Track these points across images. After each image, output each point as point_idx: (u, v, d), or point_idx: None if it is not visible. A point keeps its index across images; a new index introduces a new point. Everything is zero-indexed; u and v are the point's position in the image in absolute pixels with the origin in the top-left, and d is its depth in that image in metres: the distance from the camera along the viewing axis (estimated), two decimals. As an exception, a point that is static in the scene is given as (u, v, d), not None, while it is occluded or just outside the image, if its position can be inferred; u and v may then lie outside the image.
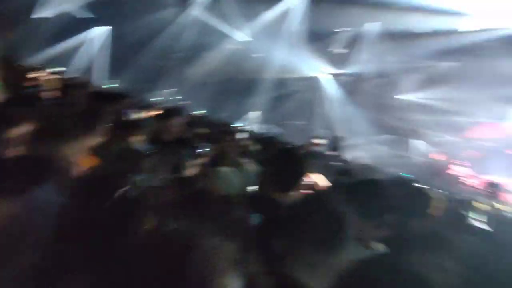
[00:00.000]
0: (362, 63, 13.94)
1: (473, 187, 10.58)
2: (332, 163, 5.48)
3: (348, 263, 1.12)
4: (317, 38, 13.27)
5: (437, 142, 17.10)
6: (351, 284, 1.00)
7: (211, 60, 14.39)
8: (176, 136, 3.39)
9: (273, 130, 17.19)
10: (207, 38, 14.82)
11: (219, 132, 4.93)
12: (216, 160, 3.16)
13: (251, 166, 2.85)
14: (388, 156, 18.08)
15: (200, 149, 2.91)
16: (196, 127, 4.73)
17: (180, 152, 2.50)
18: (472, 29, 10.07)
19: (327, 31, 13.10)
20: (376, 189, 2.05)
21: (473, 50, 11.72)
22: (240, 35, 14.34)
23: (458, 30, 10.53)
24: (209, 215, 1.72)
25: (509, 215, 4.34)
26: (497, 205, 4.47)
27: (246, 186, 2.19)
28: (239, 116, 17.51)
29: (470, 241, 2.18)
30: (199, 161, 2.56)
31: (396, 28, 11.65)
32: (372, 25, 12.55)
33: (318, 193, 1.83)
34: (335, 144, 7.45)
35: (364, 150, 17.13)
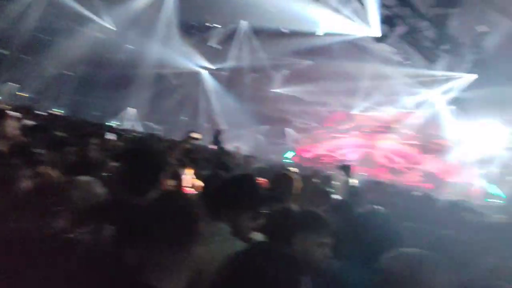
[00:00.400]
0: (237, 58, 14.47)
1: (330, 165, 12.55)
2: (211, 156, 5.50)
3: (221, 258, 1.10)
4: (192, 32, 12.99)
5: (303, 128, 19.90)
6: (231, 275, 1.01)
7: (70, 48, 12.02)
8: (12, 143, 2.64)
9: (151, 127, 16.24)
10: (64, 23, 12.48)
11: (82, 135, 4.19)
12: (75, 167, 2.68)
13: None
14: (266, 144, 19.85)
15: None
16: (47, 130, 3.88)
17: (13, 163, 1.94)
18: (325, 32, 11.68)
19: (201, 25, 12.93)
20: (250, 181, 2.11)
21: (326, 51, 13.80)
22: (105, 22, 12.55)
23: (316, 33, 11.97)
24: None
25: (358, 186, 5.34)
26: (349, 180, 5.37)
27: (107, 194, 1.89)
28: (112, 114, 15.75)
29: (332, 215, 2.52)
30: (43, 170, 2.05)
31: (265, 26, 12.30)
32: (244, 22, 13.09)
33: (173, 193, 1.75)
34: (216, 137, 7.55)
35: (244, 140, 18.28)
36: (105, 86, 14.20)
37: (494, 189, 11.05)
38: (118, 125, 13.07)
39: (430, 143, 15.16)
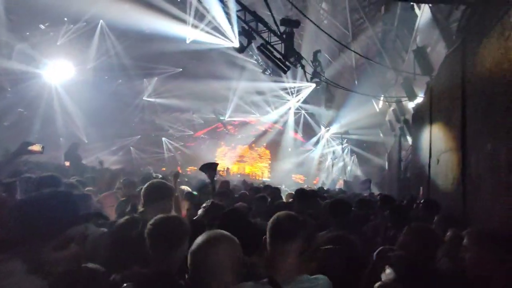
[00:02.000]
0: (99, 63, 12.99)
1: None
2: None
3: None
4: (33, 30, 10.85)
5: (178, 137, 19.70)
6: None
7: None
8: None
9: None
10: None
11: None
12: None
13: None
14: (140, 155, 18.62)
15: None
16: None
17: None
18: (192, 40, 11.85)
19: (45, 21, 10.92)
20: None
21: (195, 59, 14.05)
22: None
23: (185, 40, 11.91)
24: None
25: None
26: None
27: None
28: None
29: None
30: None
31: (124, 25, 11.36)
32: (104, 21, 11.83)
33: None
34: (71, 151, 6.55)
35: (112, 152, 16.60)
36: None
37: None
38: None
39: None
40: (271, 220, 1.57)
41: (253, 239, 1.69)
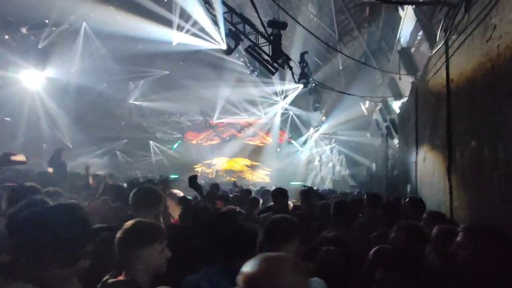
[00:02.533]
0: (82, 66, 12.72)
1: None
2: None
3: None
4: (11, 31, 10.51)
5: (165, 140, 19.51)
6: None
7: None
8: None
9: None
10: None
11: None
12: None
13: None
14: (127, 160, 18.31)
15: None
16: None
17: None
18: (178, 43, 11.73)
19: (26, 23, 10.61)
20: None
21: (181, 61, 13.95)
22: None
23: (171, 42, 11.79)
24: None
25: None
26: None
27: None
28: None
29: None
30: None
31: (109, 28, 11.17)
32: (87, 24, 11.60)
33: None
34: (54, 157, 6.36)
35: (98, 157, 16.27)
36: None
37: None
38: None
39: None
40: (267, 222, 1.56)
41: (244, 242, 1.67)
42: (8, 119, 12.60)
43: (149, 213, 2.29)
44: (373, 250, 1.96)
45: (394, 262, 1.70)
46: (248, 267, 1.11)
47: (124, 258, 1.55)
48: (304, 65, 9.97)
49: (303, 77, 9.20)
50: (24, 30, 10.79)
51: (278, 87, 14.34)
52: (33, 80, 11.15)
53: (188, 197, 3.66)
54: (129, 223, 1.62)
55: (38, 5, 9.71)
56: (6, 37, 10.57)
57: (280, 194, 3.92)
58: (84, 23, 11.50)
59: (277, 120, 17.24)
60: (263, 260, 1.11)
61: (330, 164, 16.42)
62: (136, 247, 1.55)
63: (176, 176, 11.85)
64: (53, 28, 10.88)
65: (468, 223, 2.16)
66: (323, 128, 15.36)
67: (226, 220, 2.11)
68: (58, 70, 11.74)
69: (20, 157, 2.67)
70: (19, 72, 10.68)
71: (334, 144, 16.27)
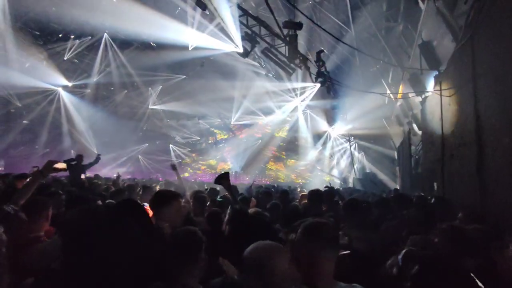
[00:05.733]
0: (104, 74, 13.18)
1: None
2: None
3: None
4: (41, 45, 11.03)
5: (185, 143, 19.87)
6: None
7: None
8: None
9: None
10: None
11: None
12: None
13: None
14: (149, 163, 18.79)
15: None
16: None
17: None
18: (194, 47, 11.91)
19: (54, 36, 11.12)
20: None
21: (198, 65, 14.14)
22: None
23: (187, 47, 11.98)
24: None
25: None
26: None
27: None
28: None
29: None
30: None
31: (131, 39, 11.56)
32: (108, 34, 12.02)
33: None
34: (75, 163, 6.62)
35: (123, 163, 16.83)
36: None
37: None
38: None
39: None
40: (309, 226, 1.55)
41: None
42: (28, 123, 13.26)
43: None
44: (402, 253, 1.71)
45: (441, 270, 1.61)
46: (248, 250, 1.45)
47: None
48: (321, 64, 9.90)
49: (320, 75, 9.13)
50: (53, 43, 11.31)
51: (295, 87, 14.28)
52: (58, 89, 11.68)
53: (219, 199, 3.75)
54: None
55: (62, 18, 10.16)
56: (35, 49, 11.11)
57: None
58: (105, 34, 11.91)
59: (299, 120, 17.14)
60: (261, 245, 1.46)
61: (350, 161, 16.19)
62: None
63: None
64: (77, 40, 11.34)
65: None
66: (341, 125, 15.17)
67: (263, 225, 2.11)
68: (82, 79, 12.22)
69: (61, 165, 2.71)
70: (46, 82, 11.22)
71: (353, 141, 16.02)
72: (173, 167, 4.72)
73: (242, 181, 15.90)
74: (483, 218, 2.97)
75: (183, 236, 1.71)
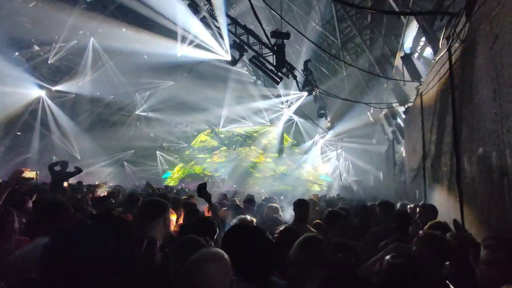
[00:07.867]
0: (89, 79, 12.98)
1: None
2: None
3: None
4: (23, 49, 10.81)
5: (172, 150, 19.63)
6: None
7: None
8: None
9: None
10: None
11: None
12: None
13: None
14: (135, 170, 18.46)
15: None
16: None
17: None
18: (182, 55, 11.91)
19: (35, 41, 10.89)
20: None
21: (186, 71, 14.15)
22: None
23: (176, 54, 11.94)
24: None
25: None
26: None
27: None
28: None
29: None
30: None
31: (115, 42, 11.43)
32: (94, 40, 11.89)
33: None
34: (58, 169, 6.45)
35: (111, 170, 16.48)
36: None
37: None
38: None
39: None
40: (305, 244, 1.61)
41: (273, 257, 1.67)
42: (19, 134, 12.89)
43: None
44: (386, 261, 1.75)
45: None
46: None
47: None
48: (308, 73, 10.07)
49: (307, 84, 9.27)
50: (37, 48, 11.08)
51: (283, 95, 14.42)
52: (44, 94, 11.42)
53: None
54: None
55: (47, 23, 10.01)
56: (16, 53, 10.87)
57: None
58: (92, 38, 11.79)
59: (280, 127, 17.22)
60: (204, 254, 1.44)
61: (337, 170, 16.34)
62: None
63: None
64: (62, 44, 11.17)
65: (490, 237, 1.88)
66: (329, 135, 15.35)
67: (260, 236, 1.91)
68: (67, 83, 12.01)
69: (30, 174, 2.65)
70: (30, 87, 10.96)
71: (340, 151, 16.20)
72: (148, 184, 5.11)
73: (229, 189, 15.80)
74: (459, 226, 3.05)
75: None
